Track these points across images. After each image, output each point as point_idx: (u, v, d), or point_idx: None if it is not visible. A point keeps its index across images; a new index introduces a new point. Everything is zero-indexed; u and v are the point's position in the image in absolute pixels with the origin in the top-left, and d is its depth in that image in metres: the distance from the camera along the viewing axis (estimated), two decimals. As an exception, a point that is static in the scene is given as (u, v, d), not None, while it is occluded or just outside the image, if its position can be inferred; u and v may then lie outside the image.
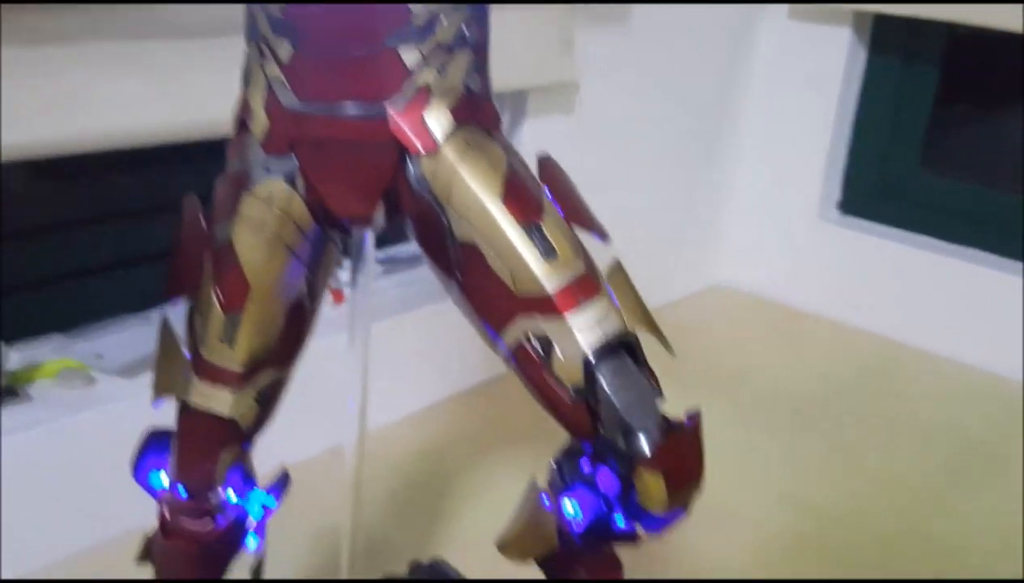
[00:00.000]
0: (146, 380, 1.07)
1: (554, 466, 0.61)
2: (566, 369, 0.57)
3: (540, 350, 0.57)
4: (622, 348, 0.58)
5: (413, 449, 1.28)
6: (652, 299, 0.66)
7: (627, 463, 0.56)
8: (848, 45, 1.66)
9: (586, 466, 0.59)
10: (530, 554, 0.62)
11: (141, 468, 0.63)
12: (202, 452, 0.59)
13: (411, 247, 1.40)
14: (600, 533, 0.59)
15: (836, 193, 1.77)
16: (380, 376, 1.11)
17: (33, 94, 0.91)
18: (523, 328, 0.57)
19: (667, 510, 0.57)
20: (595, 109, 1.51)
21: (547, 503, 0.60)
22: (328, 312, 1.03)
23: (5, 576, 0.69)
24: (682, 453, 0.58)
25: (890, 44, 1.66)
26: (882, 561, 1.09)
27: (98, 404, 1.03)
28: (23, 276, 1.09)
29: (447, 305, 0.65)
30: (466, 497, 1.15)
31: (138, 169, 1.15)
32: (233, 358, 0.59)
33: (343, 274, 0.92)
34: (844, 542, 1.12)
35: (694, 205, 1.81)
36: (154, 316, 1.17)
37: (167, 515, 0.62)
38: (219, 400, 0.58)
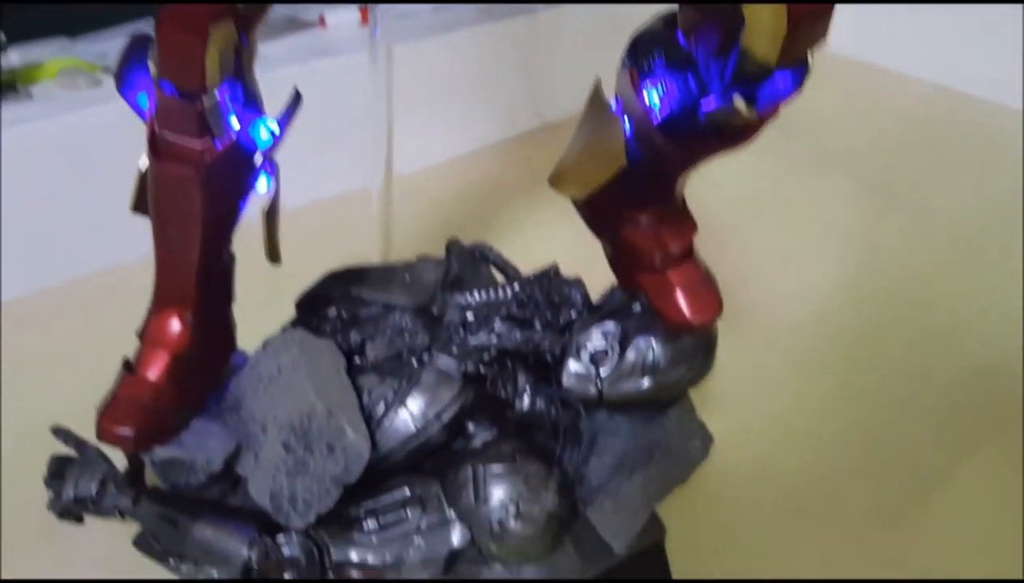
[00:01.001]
0: None
1: (629, 50, 0.48)
2: None
3: None
4: None
5: (449, 193, 1.18)
6: None
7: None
8: None
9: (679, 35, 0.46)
10: (592, 182, 0.51)
11: (128, 83, 0.53)
12: (187, 27, 0.47)
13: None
14: (684, 126, 0.47)
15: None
16: (409, 117, 1.01)
17: None
18: None
19: (783, 58, 0.42)
20: None
21: (616, 106, 0.48)
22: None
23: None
24: None
25: None
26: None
27: (103, 103, 0.94)
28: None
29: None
30: (504, 237, 1.05)
31: None
32: None
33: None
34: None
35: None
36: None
37: (156, 130, 0.52)
38: None
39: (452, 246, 0.67)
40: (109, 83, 0.96)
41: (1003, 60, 1.42)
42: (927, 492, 0.78)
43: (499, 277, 0.69)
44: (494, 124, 1.27)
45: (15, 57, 0.96)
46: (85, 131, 0.91)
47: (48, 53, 0.97)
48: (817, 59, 0.46)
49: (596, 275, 0.66)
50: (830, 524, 0.75)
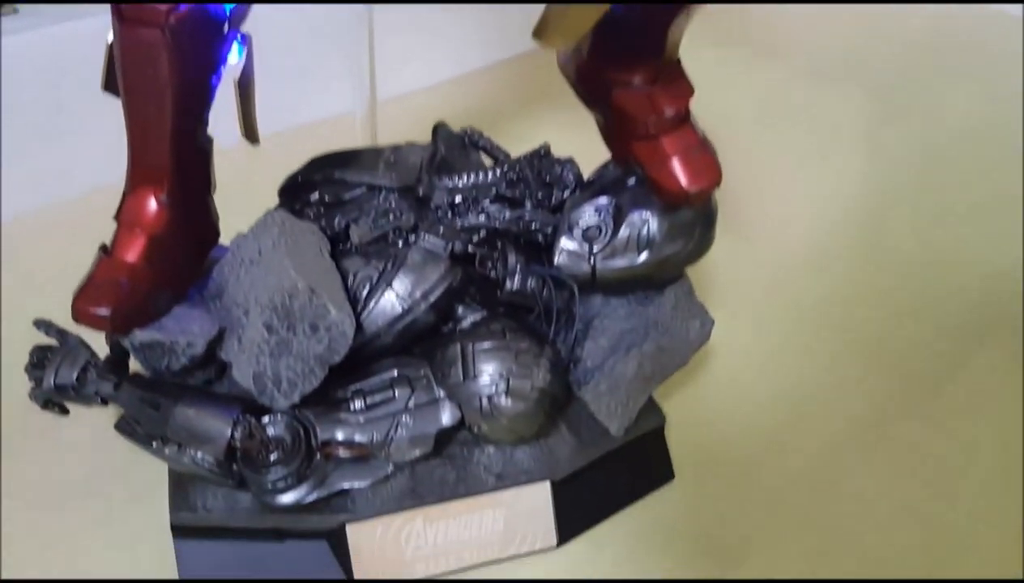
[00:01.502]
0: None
1: None
2: None
3: None
4: None
5: (435, 117, 1.15)
6: None
7: None
8: None
9: None
10: (577, 29, 0.48)
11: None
12: None
13: None
14: None
15: None
16: (390, 45, 0.97)
17: None
18: None
19: None
20: None
21: None
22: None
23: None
24: None
25: None
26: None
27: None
28: None
29: None
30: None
31: None
32: None
33: None
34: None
35: None
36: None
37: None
38: None
39: (440, 129, 0.64)
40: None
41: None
42: (938, 384, 0.76)
43: (488, 163, 0.67)
44: (482, 47, 1.24)
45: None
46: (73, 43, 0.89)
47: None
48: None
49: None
50: (834, 418, 0.73)
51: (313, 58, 1.05)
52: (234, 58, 0.54)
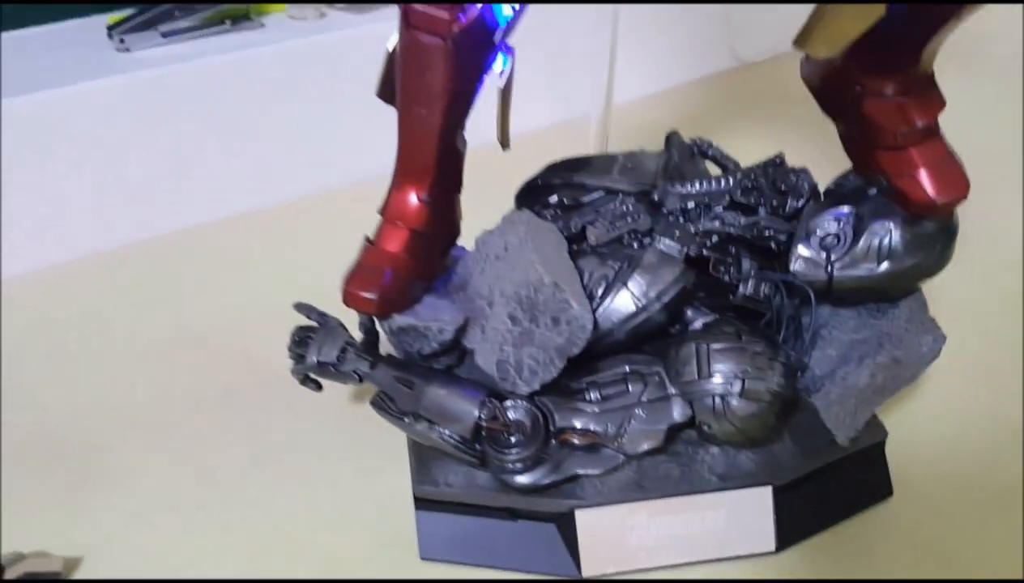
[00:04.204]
0: (377, 15, 1.06)
1: None
2: None
3: None
4: None
5: (657, 125, 1.18)
6: None
7: None
8: None
9: None
10: (843, 37, 0.49)
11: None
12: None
13: None
14: None
15: None
16: (628, 49, 1.01)
17: None
18: None
19: None
20: None
21: None
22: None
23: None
24: None
25: None
26: None
27: (329, 32, 1.00)
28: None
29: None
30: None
31: None
32: None
33: None
34: None
35: None
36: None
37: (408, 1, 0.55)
38: None
39: (672, 137, 0.67)
40: (334, 14, 1.03)
41: None
42: None
43: (716, 172, 0.68)
44: (691, 62, 1.27)
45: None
46: (311, 57, 0.98)
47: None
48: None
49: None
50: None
51: (550, 60, 1.10)
52: (499, 67, 0.59)
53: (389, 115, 0.60)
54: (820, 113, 0.61)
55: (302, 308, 0.67)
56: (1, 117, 0.84)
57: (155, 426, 0.73)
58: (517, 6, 0.56)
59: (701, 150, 0.68)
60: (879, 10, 0.47)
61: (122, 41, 0.93)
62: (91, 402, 0.75)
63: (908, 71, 0.52)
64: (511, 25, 0.56)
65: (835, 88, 0.56)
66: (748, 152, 0.68)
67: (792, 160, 0.65)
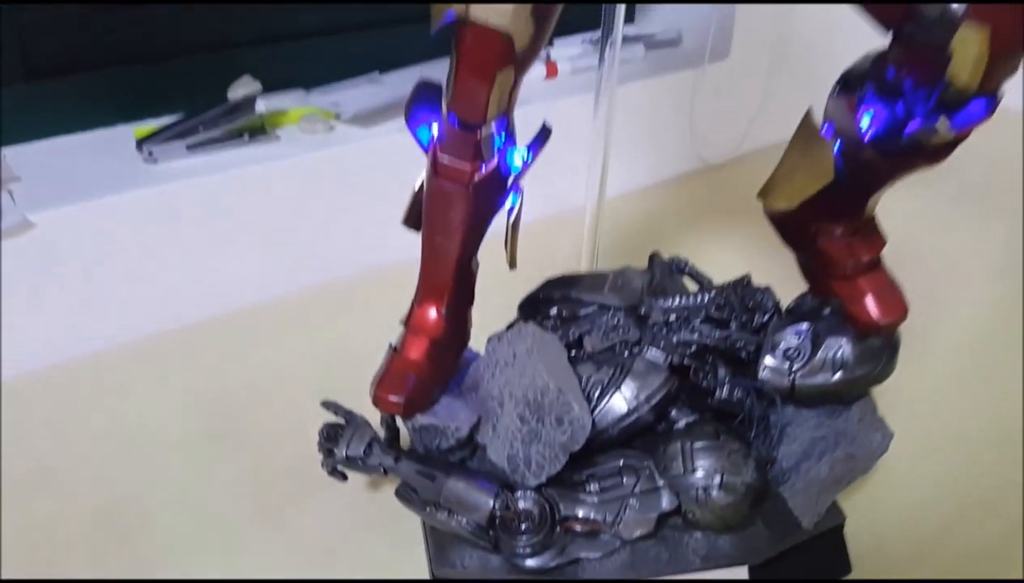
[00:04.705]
0: (380, 129, 1.16)
1: (841, 83, 0.57)
2: None
3: None
4: None
5: (652, 217, 1.27)
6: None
7: (942, 32, 0.50)
8: None
9: (888, 71, 0.54)
10: (800, 194, 0.60)
11: (413, 118, 0.65)
12: (477, 73, 0.59)
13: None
14: (889, 145, 0.56)
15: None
16: (621, 142, 1.09)
17: None
18: None
19: (981, 87, 0.50)
20: None
21: (827, 129, 0.57)
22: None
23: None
24: (1013, 13, 0.49)
25: None
26: None
27: (336, 145, 1.10)
28: (269, 33, 1.16)
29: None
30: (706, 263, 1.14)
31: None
32: None
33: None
34: None
35: None
36: (386, 79, 1.22)
37: (438, 153, 0.64)
38: (498, 12, 0.58)
39: (655, 257, 0.77)
40: (341, 128, 1.13)
41: None
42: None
43: (692, 286, 0.79)
44: (653, 165, 1.38)
45: (262, 105, 1.14)
46: (321, 168, 1.08)
47: (289, 103, 1.15)
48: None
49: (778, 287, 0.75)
50: (992, 519, 0.78)
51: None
52: (509, 204, 0.69)
53: (388, 217, 0.68)
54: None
55: (329, 406, 0.75)
56: (37, 229, 0.92)
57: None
58: (528, 156, 0.66)
59: (679, 268, 0.78)
60: (828, 175, 0.58)
61: (151, 154, 1.02)
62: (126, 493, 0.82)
63: (854, 217, 0.63)
64: (523, 172, 0.67)
65: (795, 229, 0.67)
66: (714, 254, 0.77)
67: (753, 258, 0.74)
